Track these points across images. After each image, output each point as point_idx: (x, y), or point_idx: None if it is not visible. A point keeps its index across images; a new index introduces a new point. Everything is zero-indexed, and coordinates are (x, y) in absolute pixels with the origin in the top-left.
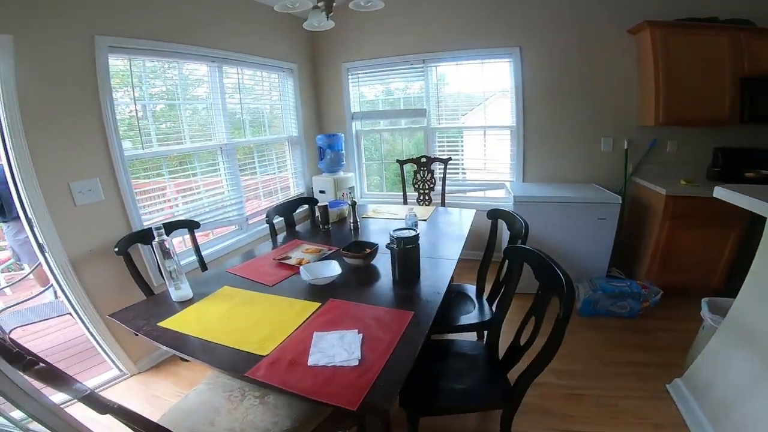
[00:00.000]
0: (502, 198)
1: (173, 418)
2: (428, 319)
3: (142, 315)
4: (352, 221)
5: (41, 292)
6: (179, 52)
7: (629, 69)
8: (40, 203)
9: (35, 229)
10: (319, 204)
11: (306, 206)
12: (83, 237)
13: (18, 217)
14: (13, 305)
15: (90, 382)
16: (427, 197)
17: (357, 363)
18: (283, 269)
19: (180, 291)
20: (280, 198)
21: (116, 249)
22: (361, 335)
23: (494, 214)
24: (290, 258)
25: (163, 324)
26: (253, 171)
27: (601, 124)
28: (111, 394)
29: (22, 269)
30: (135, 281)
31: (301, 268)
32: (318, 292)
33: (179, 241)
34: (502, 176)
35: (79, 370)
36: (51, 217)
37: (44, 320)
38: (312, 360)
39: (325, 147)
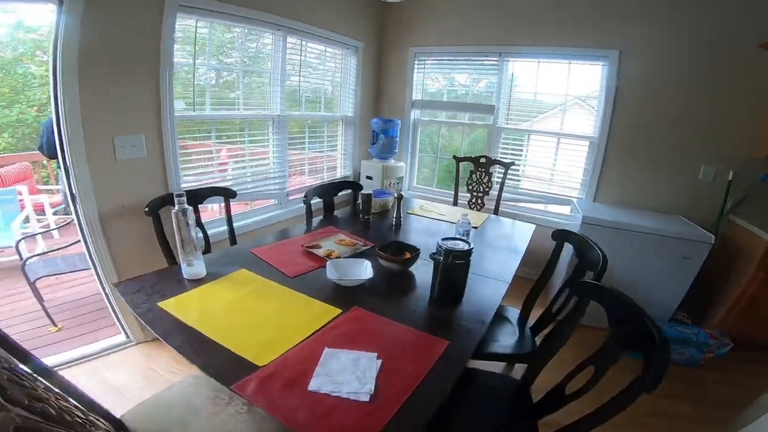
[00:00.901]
0: (564, 215)
1: (145, 412)
2: (465, 353)
3: (147, 289)
4: (395, 216)
5: (73, 243)
6: (246, 17)
7: (751, 89)
8: (80, 152)
9: (71, 177)
10: (362, 191)
11: (349, 191)
12: (117, 192)
13: None
14: (43, 252)
15: (95, 345)
16: (479, 201)
17: (368, 398)
18: (309, 259)
19: (192, 268)
20: (325, 178)
21: (146, 209)
22: (379, 361)
23: (562, 236)
24: (320, 247)
25: (163, 305)
26: (302, 146)
27: (704, 150)
28: (110, 362)
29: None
30: (159, 245)
31: (328, 262)
32: (342, 294)
33: (213, 210)
34: (568, 191)
35: (91, 329)
36: (89, 167)
37: (73, 271)
38: (314, 384)
39: (380, 131)
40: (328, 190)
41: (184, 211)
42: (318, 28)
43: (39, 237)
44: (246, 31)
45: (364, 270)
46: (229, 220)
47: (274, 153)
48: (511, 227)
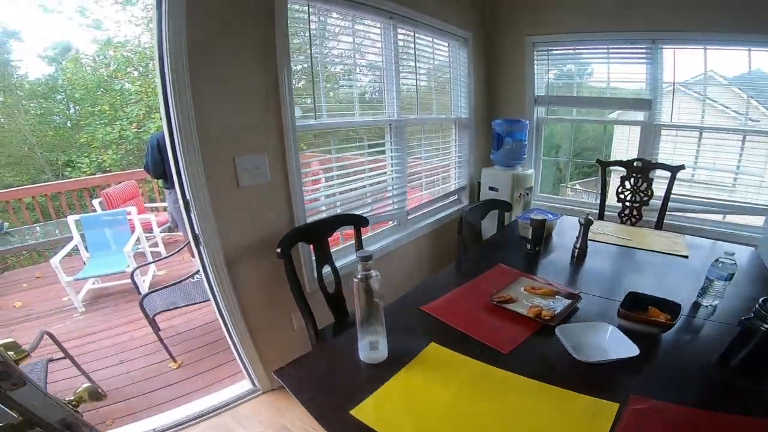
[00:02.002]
0: (751, 227)
1: None
2: None
3: (320, 382)
4: (578, 245)
5: (190, 276)
6: (356, 1)
7: None
8: (199, 179)
9: (192, 214)
10: (533, 216)
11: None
12: (242, 228)
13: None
14: (160, 288)
15: (222, 395)
16: (635, 213)
17: None
18: (510, 321)
19: (376, 352)
20: (440, 190)
21: (279, 249)
22: None
23: None
24: (512, 300)
25: (358, 413)
26: (417, 155)
27: None
28: (241, 415)
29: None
30: (290, 288)
31: (557, 330)
32: (591, 374)
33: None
34: (756, 197)
35: (211, 366)
36: (210, 199)
37: (190, 305)
38: None
39: (504, 134)
40: (477, 212)
41: (368, 278)
42: (427, 16)
43: (148, 255)
44: (351, 21)
45: (624, 345)
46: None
47: (394, 165)
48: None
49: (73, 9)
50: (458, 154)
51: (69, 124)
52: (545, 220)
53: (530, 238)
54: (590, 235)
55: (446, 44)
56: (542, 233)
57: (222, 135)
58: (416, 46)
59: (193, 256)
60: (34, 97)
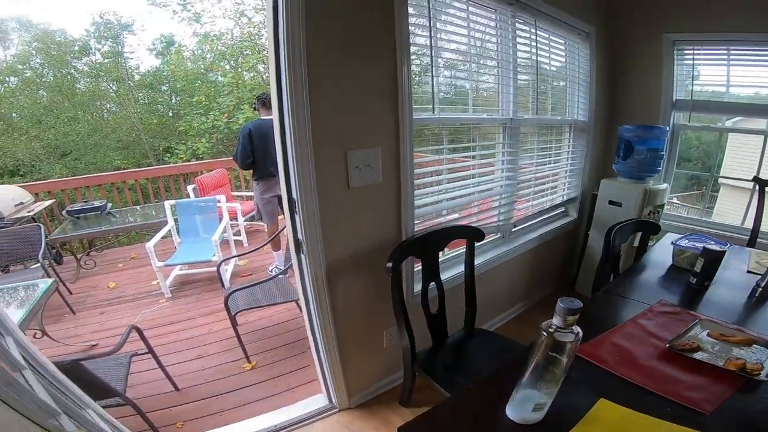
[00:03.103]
0: None
1: None
2: None
3: None
4: (764, 283)
5: (275, 276)
6: None
7: None
8: (309, 181)
9: (298, 217)
10: (706, 246)
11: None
12: (346, 235)
13: (269, 176)
14: (246, 286)
15: (295, 409)
16: None
17: None
18: (700, 374)
19: (538, 412)
20: (547, 201)
21: (389, 264)
22: None
23: None
24: (699, 348)
25: None
26: (529, 161)
27: None
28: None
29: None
30: (393, 305)
31: None
32: None
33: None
34: None
35: (285, 371)
36: (318, 201)
37: (272, 305)
38: None
39: (636, 142)
40: (626, 232)
41: (563, 334)
42: (551, 6)
43: (232, 243)
44: (466, 7)
45: None
46: (471, 278)
47: (504, 171)
48: None
49: (176, 2)
50: (571, 161)
51: (170, 114)
52: (724, 252)
53: (698, 270)
54: (754, 266)
55: (563, 39)
56: (717, 267)
57: (334, 128)
58: (537, 38)
59: (276, 249)
60: (143, 87)
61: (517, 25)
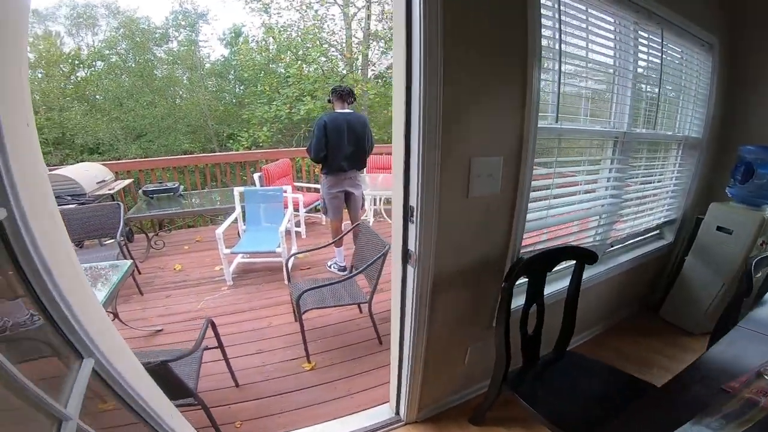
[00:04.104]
0: None
1: None
2: None
3: None
4: None
5: (344, 279)
6: None
7: None
8: (434, 186)
9: (413, 226)
10: None
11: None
12: (458, 248)
13: (339, 170)
14: (318, 286)
15: (358, 419)
16: None
17: None
18: None
19: None
20: (644, 222)
21: (505, 284)
22: None
23: None
24: None
25: None
26: (634, 179)
27: None
28: None
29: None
30: (497, 324)
31: None
32: None
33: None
34: None
35: (344, 375)
36: (439, 209)
37: (338, 306)
38: None
39: (758, 165)
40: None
41: None
42: (677, 15)
43: (293, 234)
44: (585, 14)
45: None
46: (574, 300)
47: (609, 189)
48: None
49: None
50: (675, 180)
51: (235, 102)
52: None
53: None
54: None
55: (680, 48)
56: None
57: (462, 133)
58: (662, 48)
59: (338, 246)
60: (212, 75)
61: (639, 32)
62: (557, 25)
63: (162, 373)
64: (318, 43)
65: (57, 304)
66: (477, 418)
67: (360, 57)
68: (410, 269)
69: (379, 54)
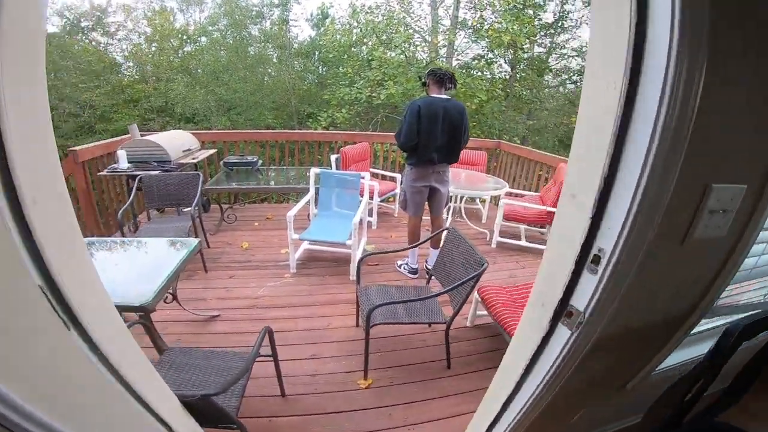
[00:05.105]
0: None
1: None
2: None
3: None
4: None
5: (428, 297)
6: None
7: None
8: (646, 228)
9: (592, 277)
10: None
11: None
12: (636, 309)
13: (428, 162)
14: (393, 302)
15: None
16: None
17: None
18: None
19: None
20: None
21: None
22: None
23: None
24: None
25: None
26: None
27: None
28: None
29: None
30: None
31: None
32: None
33: None
34: None
35: (404, 401)
36: (642, 262)
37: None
38: None
39: None
40: None
41: None
42: None
43: (365, 224)
44: None
45: None
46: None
47: None
48: None
49: None
50: None
51: (317, 82)
52: None
53: None
54: None
55: None
56: None
57: (697, 144)
58: None
59: (435, 247)
60: (299, 55)
61: None
62: None
63: (201, 406)
64: (403, 29)
65: None
66: None
67: (447, 44)
68: (563, 329)
69: (468, 41)
